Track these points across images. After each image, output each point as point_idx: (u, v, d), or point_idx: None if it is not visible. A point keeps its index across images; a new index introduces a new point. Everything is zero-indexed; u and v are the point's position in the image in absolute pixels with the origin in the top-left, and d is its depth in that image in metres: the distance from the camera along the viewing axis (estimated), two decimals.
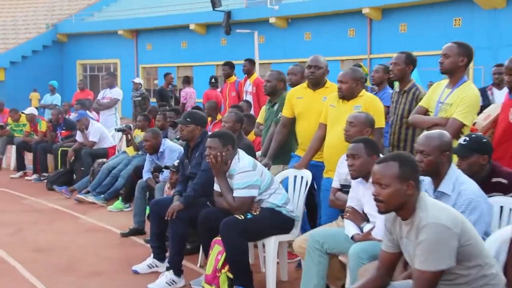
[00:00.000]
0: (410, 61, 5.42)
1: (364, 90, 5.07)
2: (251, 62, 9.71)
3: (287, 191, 5.15)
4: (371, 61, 25.52)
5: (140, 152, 8.84)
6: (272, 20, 27.28)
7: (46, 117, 13.27)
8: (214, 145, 4.76)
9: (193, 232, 5.63)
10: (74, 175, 9.80)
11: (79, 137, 9.84)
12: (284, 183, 5.28)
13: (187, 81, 13.10)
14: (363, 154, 4.07)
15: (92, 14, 34.71)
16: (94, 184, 8.75)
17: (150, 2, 32.51)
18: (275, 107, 5.97)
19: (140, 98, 12.84)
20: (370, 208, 4.10)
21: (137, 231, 6.80)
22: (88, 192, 8.76)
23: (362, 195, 4.18)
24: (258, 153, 6.47)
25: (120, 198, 8.27)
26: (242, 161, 4.79)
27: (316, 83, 5.45)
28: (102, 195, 8.58)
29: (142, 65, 32.27)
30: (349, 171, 4.16)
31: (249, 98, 9.48)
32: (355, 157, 4.08)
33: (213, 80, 12.21)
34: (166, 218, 5.09)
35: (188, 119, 5.38)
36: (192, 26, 29.59)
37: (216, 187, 4.94)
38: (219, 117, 9.66)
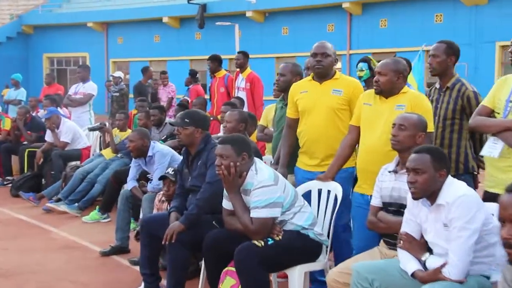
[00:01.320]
0: (453, 52, 4.54)
1: (407, 86, 4.15)
2: (245, 55, 8.74)
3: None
4: (350, 57, 24.88)
5: (119, 155, 7.82)
6: (249, 13, 26.41)
7: (10, 113, 12.06)
8: (226, 153, 3.81)
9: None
10: (43, 179, 8.68)
11: (49, 137, 8.75)
12: (306, 198, 4.34)
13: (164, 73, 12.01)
14: (429, 169, 3.15)
15: (60, 5, 33.15)
16: (67, 190, 7.68)
17: None
18: None
19: (118, 94, 11.73)
20: (435, 236, 3.20)
21: (120, 249, 5.80)
22: (59, 200, 7.69)
23: (424, 220, 3.27)
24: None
25: (97, 207, 7.24)
26: (260, 173, 3.85)
27: (324, 74, 4.55)
28: (76, 204, 7.52)
29: (113, 59, 30.99)
30: (410, 190, 3.24)
31: (242, 94, 8.54)
32: (419, 172, 3.16)
33: (197, 75, 11.19)
34: (163, 243, 4.12)
35: (186, 120, 4.41)
36: (165, 19, 28.41)
37: (226, 204, 4.00)
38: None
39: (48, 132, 8.74)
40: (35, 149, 8.85)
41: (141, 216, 5.44)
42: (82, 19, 30.62)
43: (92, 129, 8.34)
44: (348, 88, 4.49)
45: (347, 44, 24.94)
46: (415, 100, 4.01)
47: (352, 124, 4.27)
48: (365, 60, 6.52)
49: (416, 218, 3.31)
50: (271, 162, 5.22)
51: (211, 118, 8.58)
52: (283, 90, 5.08)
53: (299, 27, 25.53)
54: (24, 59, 32.06)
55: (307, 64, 5.36)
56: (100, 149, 8.62)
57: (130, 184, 5.90)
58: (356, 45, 24.74)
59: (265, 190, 3.75)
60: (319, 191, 4.35)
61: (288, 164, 4.74)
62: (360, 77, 6.32)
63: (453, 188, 3.15)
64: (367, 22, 24.18)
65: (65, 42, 31.21)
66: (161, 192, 5.19)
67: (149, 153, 5.81)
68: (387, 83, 4.02)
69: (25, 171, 8.97)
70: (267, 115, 6.18)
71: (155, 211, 5.17)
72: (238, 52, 8.83)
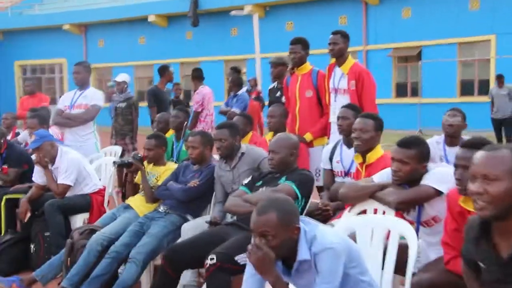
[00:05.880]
0: None
1: None
2: (345, 37, 5.56)
3: None
4: (367, 54, 22.25)
5: (162, 208, 4.66)
6: (247, 8, 23.70)
7: None
8: None
9: None
10: (32, 247, 5.45)
11: (38, 176, 5.52)
12: None
13: (198, 76, 8.59)
14: None
15: (32, 7, 30.48)
16: (76, 273, 4.45)
17: None
18: None
19: (125, 104, 8.44)
20: None
21: None
22: None
23: None
24: None
25: None
26: None
27: None
28: None
29: (94, 64, 27.87)
30: None
31: (343, 99, 5.38)
32: None
33: (236, 74, 7.92)
34: None
35: None
36: (151, 18, 26.02)
37: None
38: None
39: (37, 169, 5.52)
40: (17, 196, 5.63)
41: None
42: (57, 21, 28.38)
43: (121, 165, 5.11)
44: None
45: (363, 38, 22.51)
46: None
47: None
48: None
49: None
50: None
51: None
52: None
53: (305, 22, 23.16)
54: None
55: None
56: (123, 196, 5.38)
57: None
58: (374, 40, 22.42)
59: None
60: None
61: None
62: None
63: None
64: (387, 12, 21.97)
65: (39, 47, 28.92)
66: None
67: (302, 256, 2.56)
68: None
69: (1, 233, 5.69)
70: None
71: None
72: (334, 33, 5.61)
